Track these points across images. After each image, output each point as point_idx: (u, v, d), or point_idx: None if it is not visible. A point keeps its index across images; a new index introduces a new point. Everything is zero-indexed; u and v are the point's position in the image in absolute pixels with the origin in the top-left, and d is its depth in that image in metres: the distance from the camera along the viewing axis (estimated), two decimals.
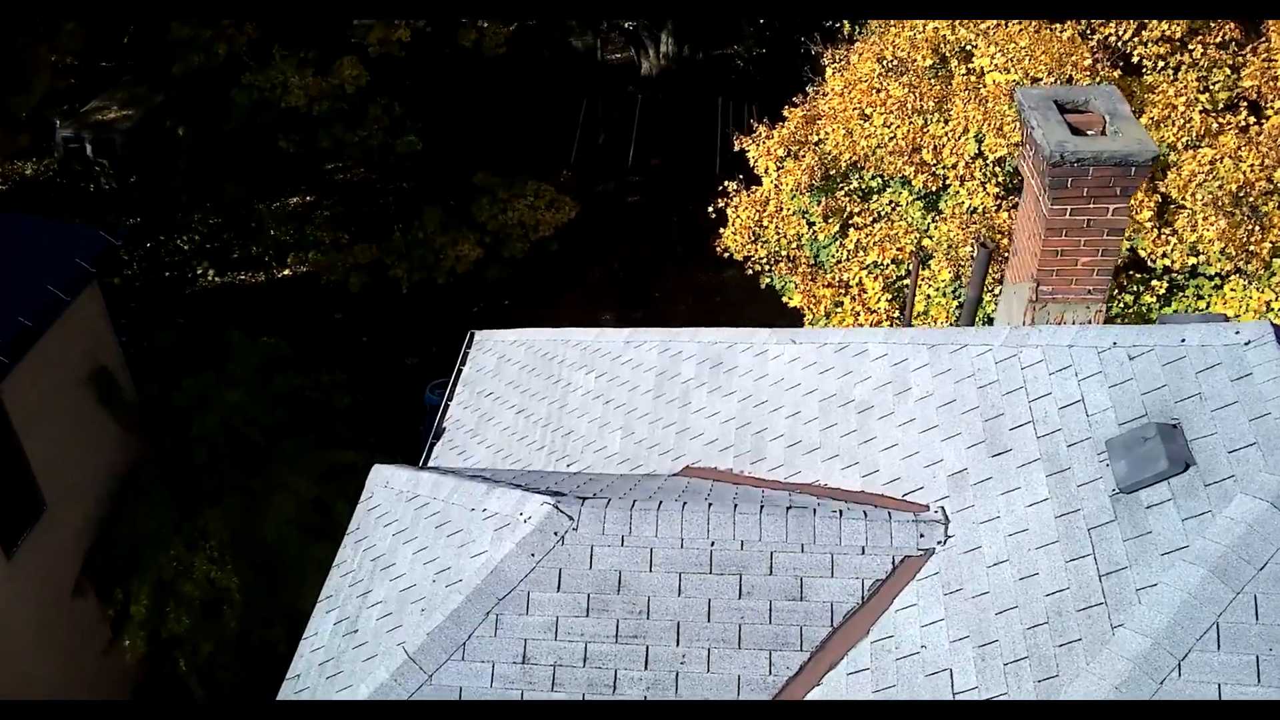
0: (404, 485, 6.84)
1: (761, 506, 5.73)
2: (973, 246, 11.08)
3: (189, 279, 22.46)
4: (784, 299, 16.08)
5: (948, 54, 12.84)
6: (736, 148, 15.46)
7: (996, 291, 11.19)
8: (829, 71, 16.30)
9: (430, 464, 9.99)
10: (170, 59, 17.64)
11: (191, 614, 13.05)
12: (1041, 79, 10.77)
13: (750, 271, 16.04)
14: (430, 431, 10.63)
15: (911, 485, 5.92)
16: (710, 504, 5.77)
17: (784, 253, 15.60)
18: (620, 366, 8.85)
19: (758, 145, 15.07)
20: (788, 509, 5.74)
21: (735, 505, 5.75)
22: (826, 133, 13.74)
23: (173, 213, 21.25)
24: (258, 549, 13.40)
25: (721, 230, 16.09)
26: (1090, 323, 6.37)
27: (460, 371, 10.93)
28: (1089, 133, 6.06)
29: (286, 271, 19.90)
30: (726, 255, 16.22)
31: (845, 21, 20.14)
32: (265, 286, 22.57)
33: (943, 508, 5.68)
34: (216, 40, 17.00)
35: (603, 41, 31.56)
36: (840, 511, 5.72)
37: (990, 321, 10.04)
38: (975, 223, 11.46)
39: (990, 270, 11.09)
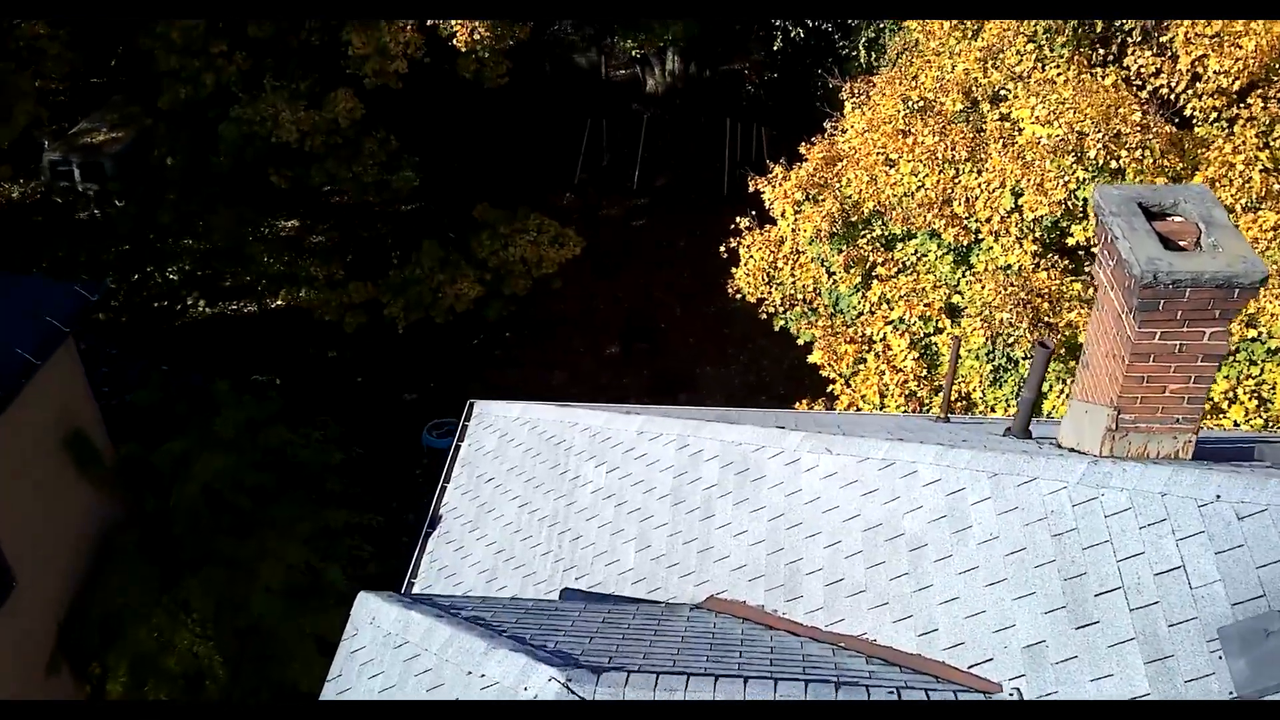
0: (392, 626, 6.05)
1: (807, 684, 4.92)
2: (1012, 313, 10.28)
3: (178, 310, 21.67)
4: (798, 340, 15.31)
5: (979, 97, 12.04)
6: (752, 188, 14.67)
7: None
8: (848, 107, 15.51)
9: (425, 555, 9.20)
10: (156, 90, 16.86)
11: (173, 689, 12.26)
12: (1087, 133, 9.95)
13: (764, 315, 15.26)
14: (434, 490, 9.85)
15: (978, 654, 5.12)
16: (746, 679, 4.97)
17: (800, 296, 14.82)
18: (633, 462, 8.05)
19: (774, 187, 14.28)
20: (837, 686, 4.93)
21: (775, 682, 4.94)
22: (849, 179, 12.94)
23: (162, 241, 20.45)
24: (243, 619, 12.61)
25: (733, 269, 15.32)
26: (1178, 455, 5.57)
27: (458, 448, 10.12)
28: (1181, 244, 5.26)
29: (279, 302, 19.12)
30: (739, 297, 15.46)
31: (862, 52, 19.36)
32: (258, 318, 21.75)
33: (1018, 689, 4.87)
34: (204, 71, 16.22)
35: (607, 58, 30.74)
36: (898, 691, 4.91)
37: (1037, 409, 9.21)
38: (1012, 284, 10.65)
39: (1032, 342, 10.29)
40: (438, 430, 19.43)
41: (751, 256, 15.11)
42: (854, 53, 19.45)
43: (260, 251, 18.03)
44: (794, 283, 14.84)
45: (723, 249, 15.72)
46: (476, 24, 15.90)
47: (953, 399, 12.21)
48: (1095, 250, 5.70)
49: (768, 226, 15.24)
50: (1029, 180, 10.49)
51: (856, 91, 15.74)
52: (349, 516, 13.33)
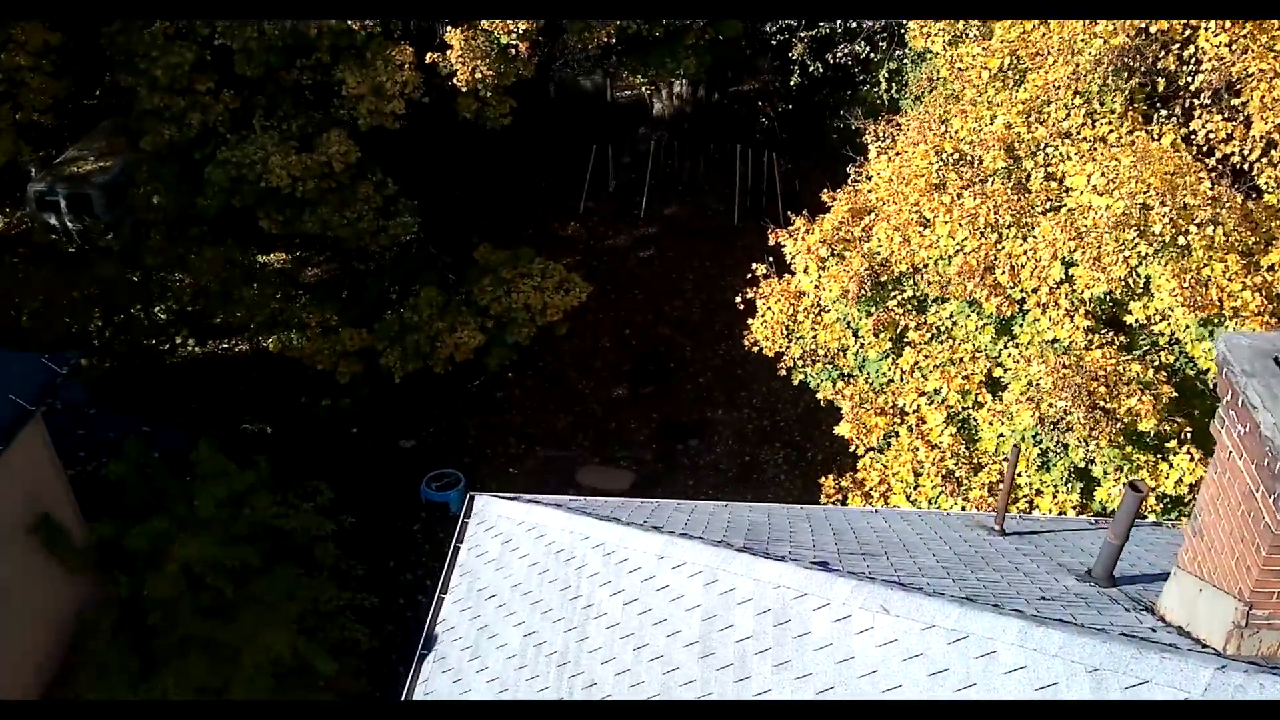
0: None
1: None
2: (1067, 400, 9.33)
3: (167, 349, 20.75)
4: (819, 396, 14.40)
5: (1022, 154, 11.11)
6: (772, 241, 13.75)
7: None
8: (872, 151, 14.61)
9: (420, 683, 8.26)
10: (140, 129, 15.96)
11: None
12: (1152, 206, 9.02)
13: (782, 371, 14.34)
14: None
15: None
16: None
17: (822, 352, 13.89)
18: (654, 595, 7.11)
19: (796, 240, 13.35)
20: None
21: None
22: (879, 238, 12.01)
23: (149, 280, 19.52)
24: None
25: (750, 321, 14.40)
26: None
27: (456, 550, 9.18)
28: None
29: (272, 340, 18.21)
30: (756, 350, 14.54)
31: (883, 84, 18.43)
32: (249, 358, 20.84)
33: None
34: (190, 110, 15.31)
35: (612, 80, 29.84)
36: None
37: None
38: (1065, 366, 9.71)
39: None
40: (436, 482, 18.51)
41: (769, 309, 14.18)
42: (874, 87, 18.53)
43: (250, 295, 17.11)
44: (814, 337, 13.91)
45: (738, 299, 14.81)
46: (478, 62, 15.01)
47: (995, 480, 11.28)
48: (1219, 409, 4.76)
49: (786, 277, 14.32)
50: (1083, 253, 9.55)
51: (881, 134, 14.85)
52: (339, 597, 12.39)
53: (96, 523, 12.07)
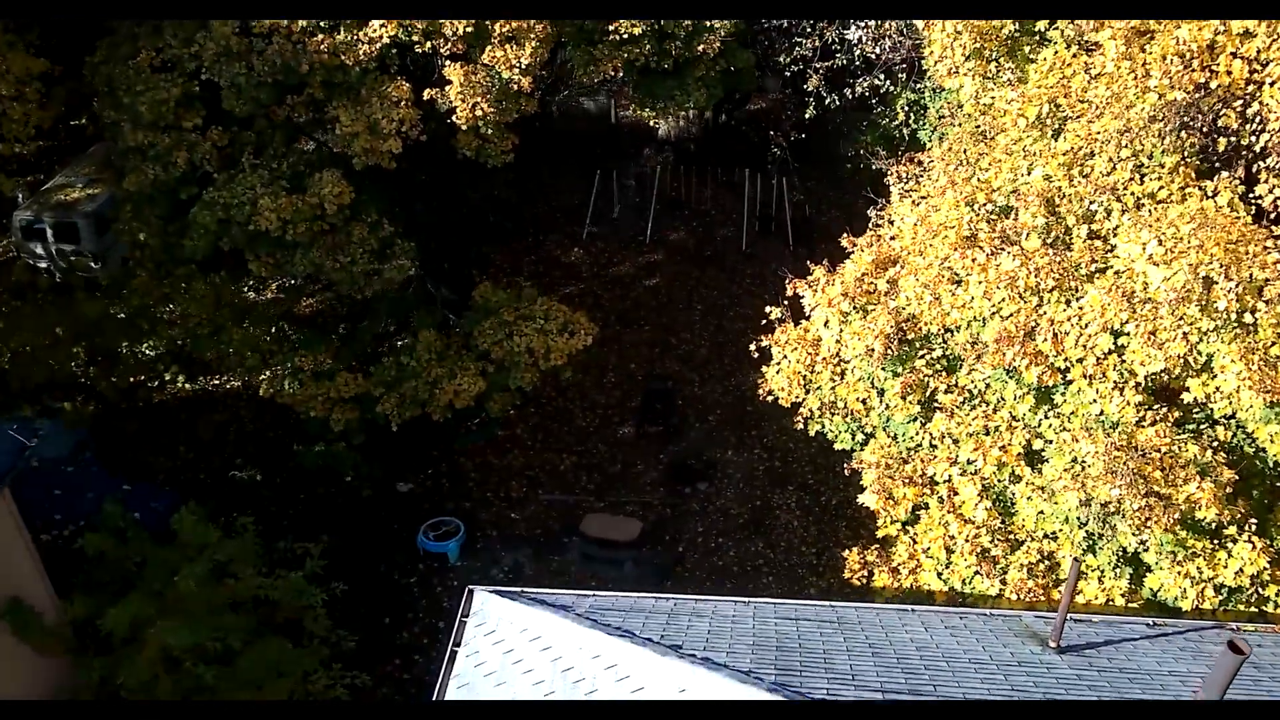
0: None
1: None
2: (1123, 490, 8.54)
3: (157, 386, 19.98)
4: (837, 446, 13.64)
5: (1064, 210, 10.32)
6: (790, 291, 12.96)
7: None
8: (895, 194, 13.85)
9: None
10: (124, 168, 15.19)
11: None
12: (1216, 280, 8.24)
13: (799, 424, 13.55)
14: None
15: None
16: None
17: (842, 406, 13.11)
18: None
19: (816, 291, 12.56)
20: None
21: None
22: (907, 295, 11.23)
23: (137, 314, 18.72)
24: None
25: (764, 368, 13.63)
26: None
27: (454, 655, 8.39)
28: None
29: (264, 384, 17.42)
30: (773, 399, 13.76)
31: (901, 114, 17.66)
32: (240, 396, 20.08)
33: None
34: (175, 148, 14.54)
35: (616, 101, 29.08)
36: None
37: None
38: (1116, 447, 8.92)
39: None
40: (434, 531, 17.71)
41: (786, 357, 13.39)
42: (892, 120, 17.75)
43: (240, 336, 16.32)
44: (833, 389, 13.14)
45: (753, 347, 14.03)
46: (479, 99, 14.25)
47: (1035, 560, 10.50)
48: None
49: (803, 323, 13.55)
50: (1137, 327, 8.77)
51: (904, 175, 14.09)
52: (328, 678, 11.61)
53: (71, 599, 11.28)
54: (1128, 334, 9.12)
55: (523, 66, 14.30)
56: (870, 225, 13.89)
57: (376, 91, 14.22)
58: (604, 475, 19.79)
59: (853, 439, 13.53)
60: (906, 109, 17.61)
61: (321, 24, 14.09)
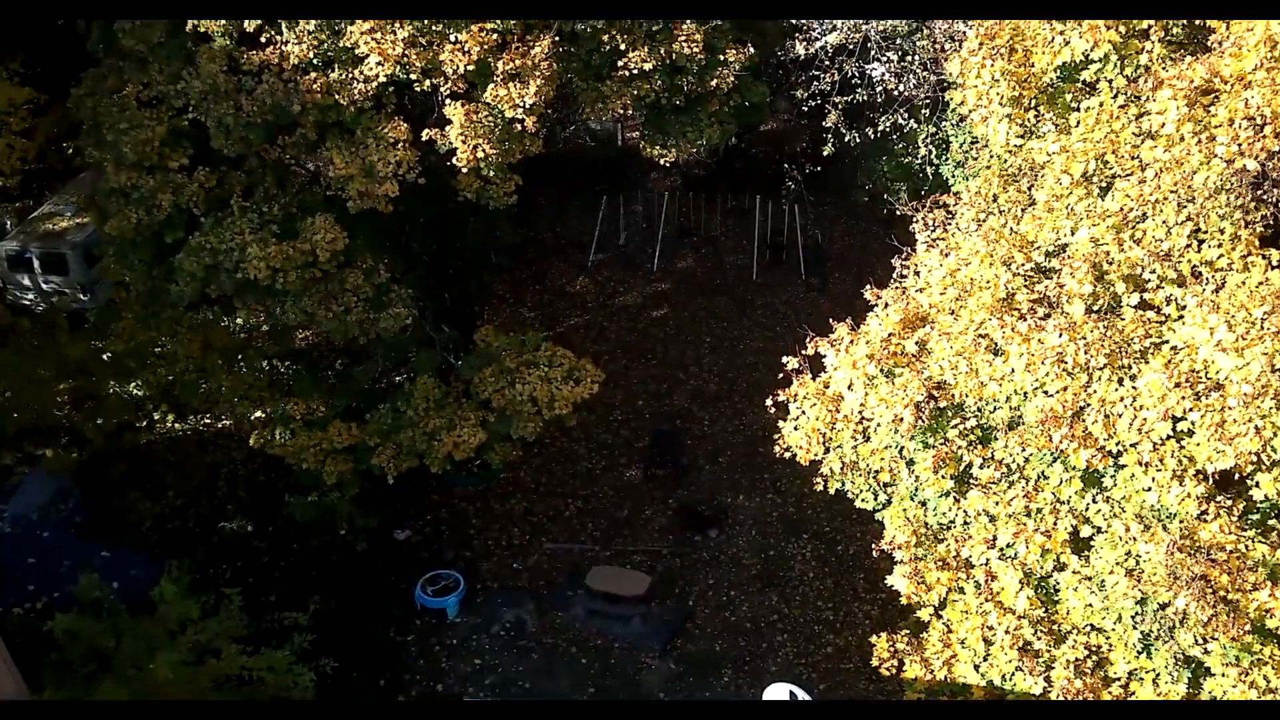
0: None
1: None
2: (1188, 600, 7.75)
3: (145, 426, 19.22)
4: (857, 502, 12.87)
5: (1112, 276, 9.53)
6: (811, 350, 12.17)
7: None
8: (921, 243, 13.08)
9: None
10: (107, 210, 14.44)
11: None
12: None
13: (819, 484, 12.75)
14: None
15: None
16: None
17: (866, 468, 12.33)
18: None
19: (839, 350, 11.77)
20: None
21: None
22: (939, 362, 10.44)
23: (126, 353, 17.95)
24: None
25: (780, 424, 12.84)
26: None
27: None
28: None
29: (257, 415, 16.68)
30: (790, 455, 12.98)
31: (922, 148, 16.88)
32: (232, 436, 19.29)
33: None
34: (160, 190, 13.80)
35: (623, 124, 28.31)
36: None
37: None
38: (1178, 548, 8.13)
39: None
40: (433, 586, 16.92)
41: (804, 414, 12.59)
42: (914, 157, 16.98)
43: (230, 385, 15.58)
44: (854, 449, 12.36)
45: (770, 402, 13.25)
46: (480, 140, 13.50)
47: (1082, 656, 9.69)
48: None
49: (823, 376, 12.75)
50: (1207, 419, 7.98)
51: (930, 222, 13.33)
52: None
53: (40, 687, 10.49)
54: (1190, 421, 8.33)
55: (527, 105, 13.54)
56: (894, 277, 13.12)
57: (373, 132, 13.47)
58: (610, 521, 19.00)
59: (875, 499, 12.77)
60: (928, 143, 16.83)
61: (315, 61, 13.34)
